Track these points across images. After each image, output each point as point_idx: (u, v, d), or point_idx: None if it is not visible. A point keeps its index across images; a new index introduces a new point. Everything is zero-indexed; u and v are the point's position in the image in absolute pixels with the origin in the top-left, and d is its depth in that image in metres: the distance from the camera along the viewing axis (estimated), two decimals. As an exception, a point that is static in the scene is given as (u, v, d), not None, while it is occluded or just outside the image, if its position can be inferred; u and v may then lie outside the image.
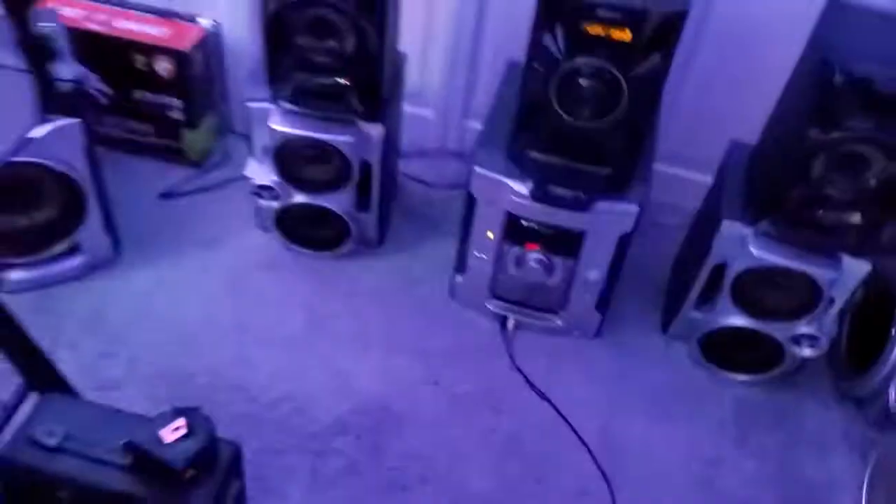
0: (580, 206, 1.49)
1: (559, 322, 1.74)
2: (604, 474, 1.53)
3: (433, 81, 1.94)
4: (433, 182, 2.02)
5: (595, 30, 1.30)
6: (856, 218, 1.38)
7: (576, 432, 1.59)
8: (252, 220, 1.84)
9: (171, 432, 1.09)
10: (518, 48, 1.42)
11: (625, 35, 1.29)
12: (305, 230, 1.81)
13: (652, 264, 1.87)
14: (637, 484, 1.53)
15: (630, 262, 1.63)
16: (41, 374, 1.26)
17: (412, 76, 1.82)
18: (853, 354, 1.71)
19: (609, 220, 1.52)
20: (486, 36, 1.84)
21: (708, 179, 1.75)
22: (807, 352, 1.60)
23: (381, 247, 1.89)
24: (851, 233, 1.40)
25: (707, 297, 1.64)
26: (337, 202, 1.72)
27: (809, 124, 1.28)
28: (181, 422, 1.10)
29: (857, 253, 1.45)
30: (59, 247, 1.64)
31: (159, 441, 1.08)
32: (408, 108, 1.87)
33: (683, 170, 1.93)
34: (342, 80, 1.50)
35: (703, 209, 1.74)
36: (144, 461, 1.09)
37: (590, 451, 1.56)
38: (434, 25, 1.85)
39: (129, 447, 1.09)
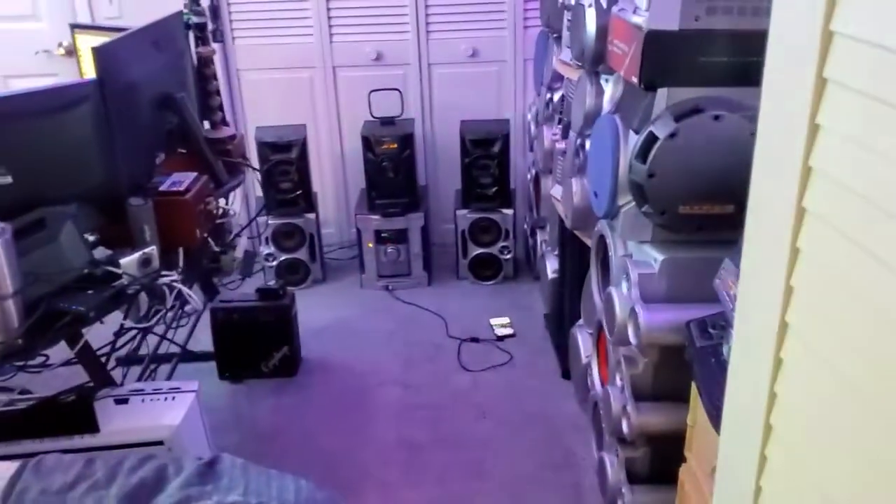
0: (400, 214, 3.76)
1: (410, 280, 3.90)
2: (441, 317, 3.63)
3: (328, 205, 4.23)
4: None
5: (384, 146, 3.67)
6: (493, 190, 3.72)
7: (427, 310, 3.69)
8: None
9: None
10: (360, 181, 3.77)
11: (395, 145, 3.67)
12: (286, 276, 3.93)
13: (445, 254, 4.09)
14: (459, 321, 3.61)
15: (438, 252, 3.88)
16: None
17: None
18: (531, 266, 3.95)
19: (413, 220, 3.79)
20: (349, 179, 4.18)
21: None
22: (506, 256, 3.85)
23: (324, 283, 4.02)
24: (493, 197, 3.74)
25: (464, 251, 3.88)
26: (300, 255, 3.90)
27: (464, 156, 3.67)
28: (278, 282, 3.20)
29: (500, 207, 3.77)
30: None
31: (269, 286, 3.17)
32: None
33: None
34: (297, 193, 3.77)
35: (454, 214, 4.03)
36: (266, 292, 3.15)
37: (440, 317, 3.67)
38: (325, 176, 4.17)
39: (258, 290, 3.16)
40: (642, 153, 2.05)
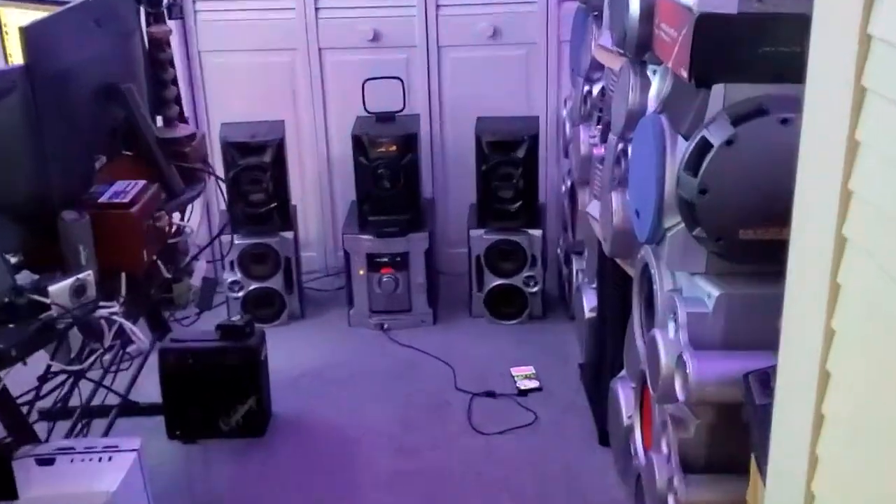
0: (399, 234, 3.88)
1: (411, 318, 4.02)
2: (448, 365, 3.73)
3: (310, 222, 4.36)
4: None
5: (381, 148, 3.80)
6: (516, 206, 3.84)
7: (431, 356, 3.80)
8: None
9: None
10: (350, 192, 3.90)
11: (394, 147, 3.80)
12: (255, 310, 4.05)
13: (455, 285, 4.21)
14: (471, 370, 3.71)
15: (446, 283, 3.99)
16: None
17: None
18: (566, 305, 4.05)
19: (416, 242, 3.92)
20: (336, 190, 4.32)
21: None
22: (533, 289, 3.95)
23: (302, 319, 4.14)
24: (517, 214, 3.85)
25: (480, 282, 3.99)
26: (274, 284, 4.02)
27: (481, 163, 3.79)
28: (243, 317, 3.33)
29: (525, 227, 3.88)
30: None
31: (233, 322, 3.30)
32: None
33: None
34: (271, 206, 3.90)
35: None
36: (228, 330, 3.27)
37: (447, 365, 3.77)
38: (306, 186, 4.31)
39: (219, 327, 3.28)
40: (693, 164, 2.16)
